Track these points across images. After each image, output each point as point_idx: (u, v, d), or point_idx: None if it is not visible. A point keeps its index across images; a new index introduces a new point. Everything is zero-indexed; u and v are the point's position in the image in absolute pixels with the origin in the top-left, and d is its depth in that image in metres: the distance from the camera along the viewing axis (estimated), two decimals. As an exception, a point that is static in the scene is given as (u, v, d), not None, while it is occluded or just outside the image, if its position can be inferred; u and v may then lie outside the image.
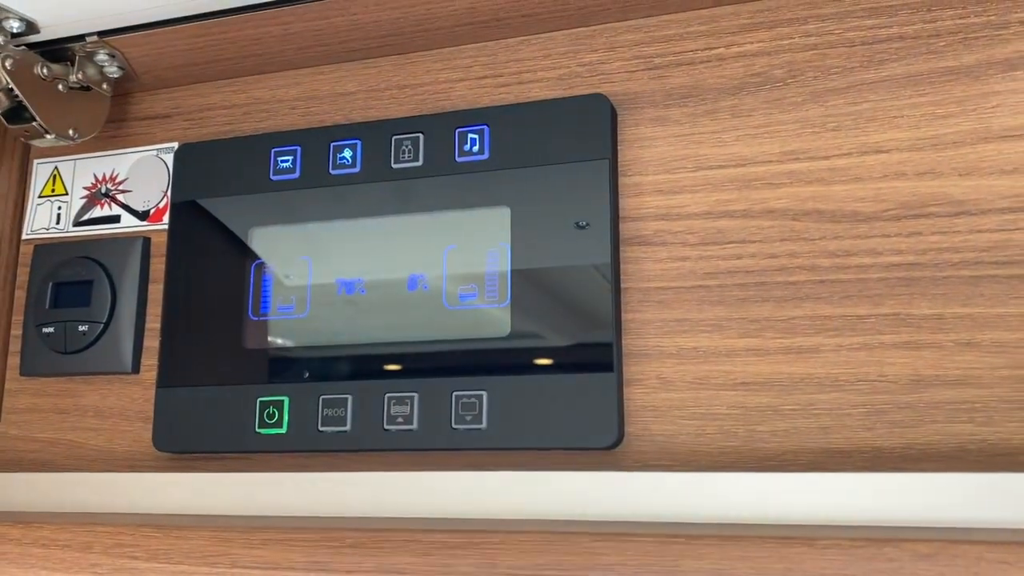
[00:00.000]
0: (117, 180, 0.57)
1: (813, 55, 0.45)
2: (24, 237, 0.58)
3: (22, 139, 0.52)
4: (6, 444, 0.56)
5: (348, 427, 0.47)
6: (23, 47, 0.50)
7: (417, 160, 0.50)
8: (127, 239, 0.55)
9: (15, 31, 0.48)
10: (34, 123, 0.50)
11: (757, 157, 0.45)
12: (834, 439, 0.42)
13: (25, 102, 0.49)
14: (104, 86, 0.55)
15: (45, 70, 0.50)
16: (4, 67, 0.48)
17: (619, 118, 0.48)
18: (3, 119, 0.50)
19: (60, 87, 0.52)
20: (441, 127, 0.49)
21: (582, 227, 0.46)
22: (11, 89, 0.49)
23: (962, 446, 0.40)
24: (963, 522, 0.36)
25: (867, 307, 0.42)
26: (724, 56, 0.47)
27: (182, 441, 0.51)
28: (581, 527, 0.40)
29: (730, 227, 0.45)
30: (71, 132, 0.52)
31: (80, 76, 0.53)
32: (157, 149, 0.57)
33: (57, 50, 0.51)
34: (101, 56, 0.53)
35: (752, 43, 0.46)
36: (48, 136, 0.51)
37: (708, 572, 0.37)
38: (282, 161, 0.52)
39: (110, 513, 0.47)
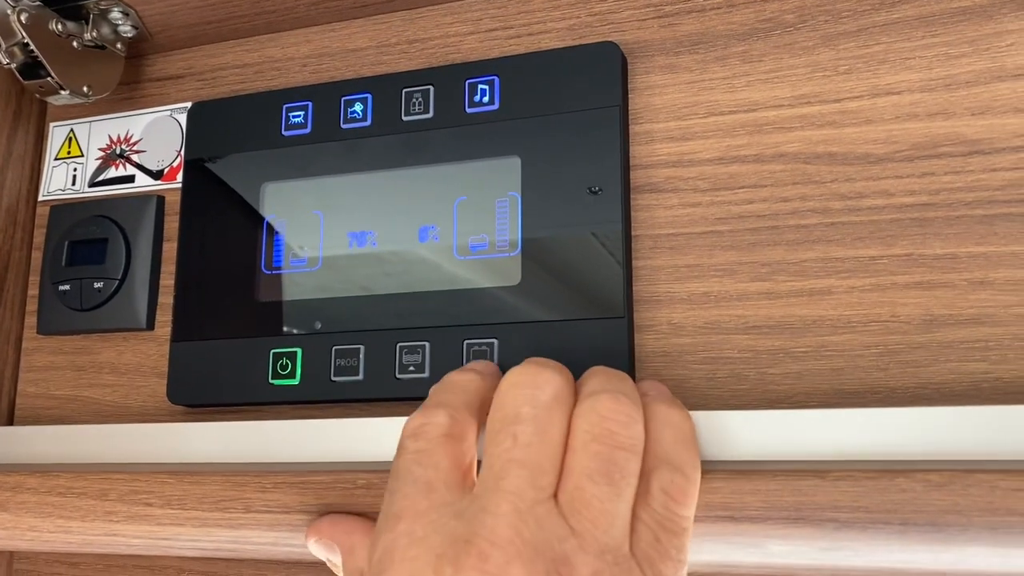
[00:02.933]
0: (131, 141, 0.58)
1: (824, -1, 0.45)
2: (41, 199, 0.59)
3: (37, 95, 0.52)
4: (25, 402, 0.57)
5: (361, 376, 0.48)
6: (38, 3, 0.50)
7: (427, 112, 0.50)
8: (141, 198, 0.56)
9: (30, -14, 0.49)
10: (49, 79, 0.51)
11: (768, 102, 0.45)
12: (847, 380, 0.42)
13: (41, 57, 0.50)
14: (118, 45, 0.55)
15: (60, 26, 0.51)
16: (20, 21, 0.48)
17: (629, 66, 0.48)
18: (19, 75, 0.51)
19: (75, 44, 0.52)
20: (451, 79, 0.50)
21: (592, 175, 0.46)
22: (27, 44, 0.49)
23: (976, 384, 0.40)
24: (977, 455, 0.36)
25: (879, 248, 0.42)
26: (734, 3, 0.47)
27: (196, 394, 0.51)
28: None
29: (741, 172, 0.45)
30: (86, 89, 0.53)
31: (95, 34, 0.53)
32: (171, 109, 0.57)
33: (71, 7, 0.52)
34: (115, 14, 0.53)
35: (763, -11, 0.46)
36: (63, 92, 0.52)
37: (719, 506, 0.37)
38: (294, 116, 0.52)
39: (125, 463, 0.47)
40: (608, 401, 0.34)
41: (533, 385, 0.35)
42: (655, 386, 0.39)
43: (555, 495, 0.32)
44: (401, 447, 0.36)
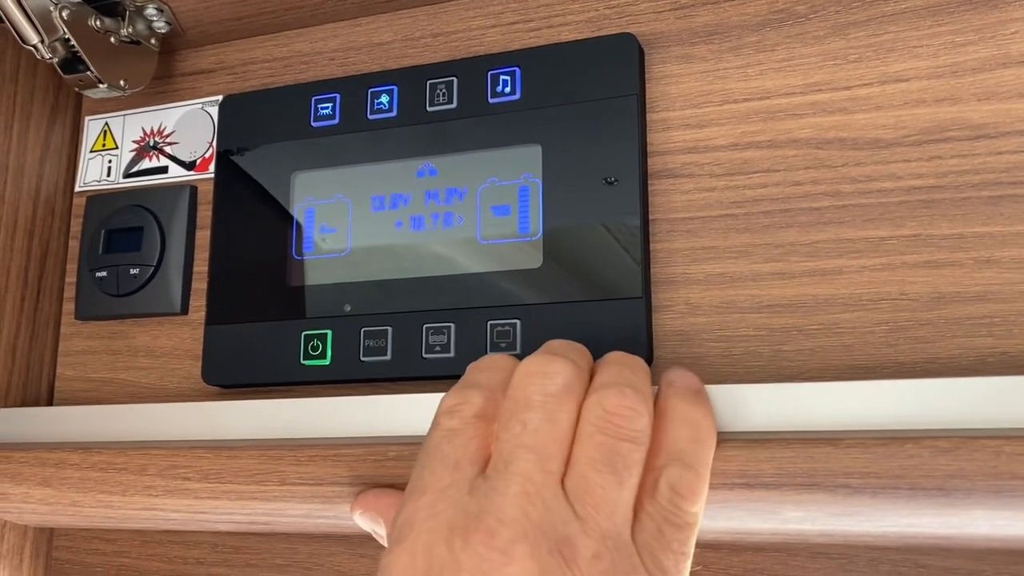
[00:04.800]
0: (164, 133, 0.60)
1: (835, -10, 0.47)
2: (77, 189, 0.61)
3: (76, 88, 0.54)
4: (63, 385, 0.59)
5: (389, 356, 0.50)
6: (79, 0, 0.52)
7: (451, 103, 0.52)
8: (175, 187, 0.58)
9: (71, -17, 0.51)
10: (88, 73, 0.53)
11: (781, 90, 0.47)
12: (857, 356, 0.43)
13: (81, 52, 0.52)
14: (152, 41, 0.57)
15: (98, 22, 0.53)
16: (61, 18, 0.50)
17: (646, 57, 0.49)
18: (59, 69, 0.53)
19: (112, 40, 0.54)
20: (474, 70, 0.51)
21: (610, 162, 0.48)
22: (67, 39, 0.51)
23: (982, 359, 0.42)
24: (982, 423, 0.38)
25: (889, 229, 0.44)
26: (748, -6, 0.48)
27: (230, 374, 0.53)
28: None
29: (755, 157, 0.47)
30: (122, 83, 0.55)
31: (130, 30, 0.55)
32: (202, 102, 0.59)
33: (109, 4, 0.54)
34: (150, 10, 0.55)
35: (775, -19, 0.48)
36: (101, 86, 0.54)
37: (735, 473, 0.38)
38: (322, 108, 0.54)
39: (164, 440, 0.49)
40: (614, 397, 0.35)
41: (544, 374, 0.36)
42: (682, 376, 0.39)
43: (562, 480, 0.34)
44: (435, 423, 0.38)
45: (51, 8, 0.50)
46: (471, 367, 0.40)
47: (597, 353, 0.45)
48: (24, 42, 0.51)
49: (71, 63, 0.53)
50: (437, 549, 0.32)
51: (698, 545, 0.45)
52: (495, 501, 0.32)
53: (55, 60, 0.52)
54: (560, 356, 0.37)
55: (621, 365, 0.38)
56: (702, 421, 0.37)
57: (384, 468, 0.43)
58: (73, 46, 0.52)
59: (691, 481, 0.35)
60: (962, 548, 0.42)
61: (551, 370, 0.36)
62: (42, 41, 0.51)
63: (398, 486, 0.43)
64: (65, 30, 0.51)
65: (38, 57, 0.52)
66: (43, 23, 0.50)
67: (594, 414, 0.35)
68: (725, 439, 0.39)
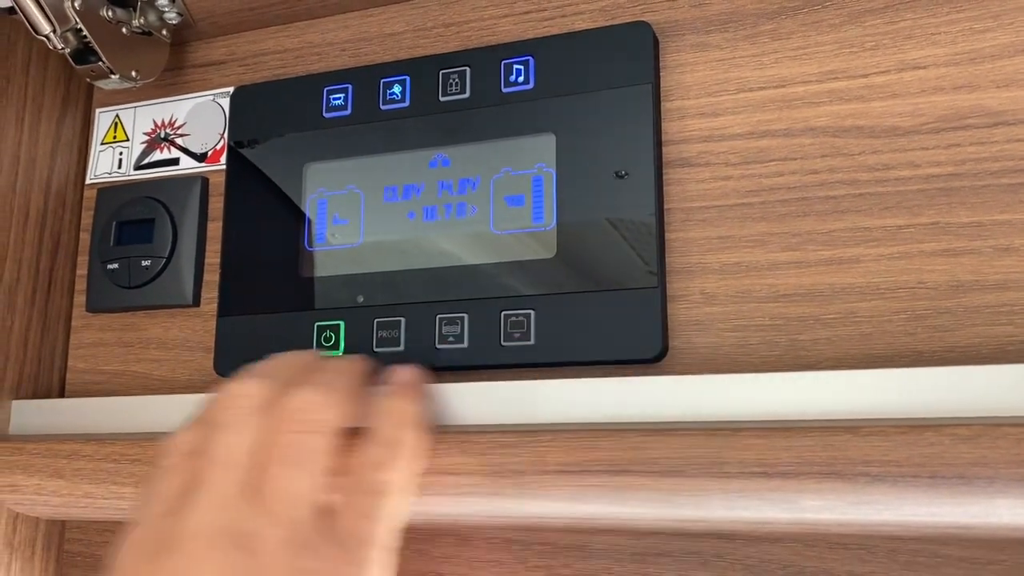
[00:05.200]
0: (175, 125, 0.60)
1: (851, -23, 0.47)
2: (88, 182, 0.61)
3: (88, 79, 0.54)
4: (75, 377, 0.59)
5: (401, 347, 0.49)
6: (90, -10, 0.52)
7: (464, 92, 0.51)
8: (187, 179, 0.58)
9: (83, -27, 0.51)
10: (100, 63, 0.53)
11: (796, 78, 0.47)
12: (876, 345, 0.43)
13: (93, 43, 0.52)
14: (163, 32, 0.57)
15: (110, 13, 0.53)
16: (74, 8, 0.50)
17: (661, 45, 0.49)
18: (71, 60, 0.53)
19: (124, 31, 0.54)
20: (487, 60, 0.51)
21: (625, 151, 0.47)
22: (79, 30, 0.51)
23: (1002, 347, 0.41)
24: (1005, 411, 0.37)
25: (906, 217, 0.43)
26: (763, -18, 0.48)
27: (242, 366, 0.53)
28: (626, 426, 0.41)
29: (771, 146, 0.46)
30: (134, 74, 0.55)
31: (142, 21, 0.55)
32: (213, 94, 0.59)
33: (121, -6, 0.54)
34: (162, 1, 0.55)
35: (791, -32, 0.48)
36: (113, 77, 0.54)
37: (752, 462, 0.38)
38: (334, 99, 0.54)
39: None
40: (295, 397, 0.40)
41: (236, 396, 0.41)
42: (399, 373, 0.45)
43: (260, 484, 0.38)
44: (156, 463, 0.42)
45: (63, -2, 0.50)
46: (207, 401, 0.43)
47: (609, 344, 0.45)
48: (37, 32, 0.51)
49: (83, 54, 0.53)
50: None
51: (714, 535, 0.45)
52: (188, 519, 0.37)
53: (67, 51, 0.52)
54: (256, 377, 0.42)
55: (328, 371, 0.43)
56: (406, 407, 0.43)
57: (399, 458, 0.43)
58: (85, 36, 0.52)
59: (383, 455, 0.40)
60: (981, 538, 0.42)
61: (243, 392, 0.41)
62: (55, 31, 0.51)
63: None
64: (77, 20, 0.51)
65: (50, 47, 0.52)
66: (56, 13, 0.50)
67: (278, 417, 0.40)
68: (741, 428, 0.38)
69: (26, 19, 0.50)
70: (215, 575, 0.36)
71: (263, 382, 0.41)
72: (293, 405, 0.40)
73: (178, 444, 0.41)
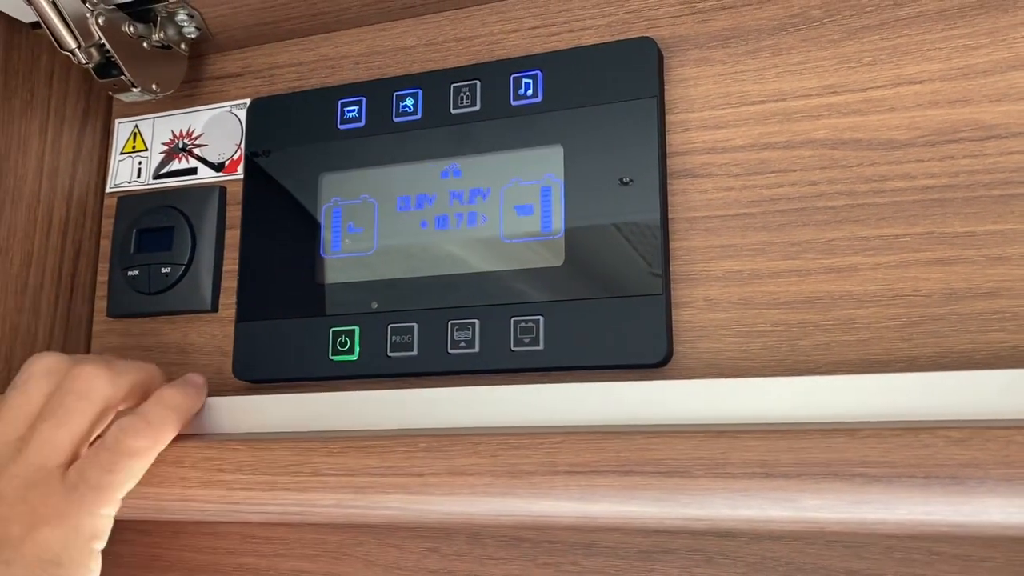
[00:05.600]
0: (193, 135, 0.62)
1: (849, -5, 0.48)
2: (108, 190, 0.63)
3: (110, 92, 0.56)
4: (95, 381, 0.60)
5: (415, 352, 0.51)
6: (113, 7, 0.54)
7: (475, 105, 0.53)
8: (205, 188, 0.59)
9: (106, -9, 0.53)
10: (122, 77, 0.55)
11: (797, 92, 0.48)
12: (873, 350, 0.45)
13: (115, 57, 0.54)
14: (182, 46, 0.59)
15: (132, 28, 0.55)
16: (97, 24, 0.52)
17: (665, 60, 0.51)
18: (94, 73, 0.55)
19: (144, 45, 0.56)
20: (497, 74, 0.53)
21: (630, 162, 0.49)
22: (103, 45, 0.53)
23: (994, 353, 0.43)
24: (995, 414, 0.39)
25: (902, 227, 0.45)
26: (764, -1, 0.50)
27: (260, 370, 0.55)
28: (633, 428, 0.43)
29: (772, 158, 0.48)
30: (154, 87, 0.57)
31: (161, 36, 0.57)
32: (230, 105, 0.61)
33: (142, 11, 0.56)
34: (181, 16, 0.57)
35: (791, -14, 0.49)
36: (134, 90, 0.56)
37: (754, 463, 0.40)
38: (348, 111, 0.56)
39: (197, 433, 0.51)
40: (76, 369, 0.45)
41: (30, 364, 0.47)
42: (192, 376, 0.50)
43: (25, 436, 0.44)
44: None
45: (88, 15, 0.52)
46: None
47: (615, 349, 0.47)
48: (62, 47, 0.52)
49: (105, 68, 0.55)
50: None
51: (716, 533, 0.46)
52: None
53: (91, 65, 0.54)
54: (50, 355, 0.47)
55: (124, 360, 0.48)
56: (175, 395, 0.47)
57: (414, 459, 0.44)
58: (108, 51, 0.53)
59: (136, 423, 0.45)
60: (974, 536, 0.43)
61: (40, 360, 0.46)
62: (79, 46, 0.52)
63: (428, 476, 0.45)
64: (100, 36, 0.52)
65: (75, 62, 0.54)
66: (80, 29, 0.52)
67: (58, 386, 0.45)
68: (744, 430, 0.40)
69: (51, 35, 0.52)
70: None
71: (52, 357, 0.47)
72: (73, 373, 0.45)
73: None
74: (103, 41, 0.53)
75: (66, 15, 0.51)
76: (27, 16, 0.56)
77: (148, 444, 0.46)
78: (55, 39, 0.52)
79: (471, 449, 0.44)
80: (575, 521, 0.46)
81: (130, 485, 0.45)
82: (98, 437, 0.46)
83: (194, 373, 0.51)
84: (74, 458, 0.44)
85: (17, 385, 0.46)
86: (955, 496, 0.38)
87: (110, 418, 0.47)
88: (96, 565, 0.44)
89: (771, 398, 0.42)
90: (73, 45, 0.52)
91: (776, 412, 0.42)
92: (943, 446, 0.37)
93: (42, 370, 0.46)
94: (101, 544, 0.44)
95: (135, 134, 0.63)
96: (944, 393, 0.40)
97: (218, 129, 0.61)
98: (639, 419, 0.45)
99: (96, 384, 0.46)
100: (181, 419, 0.48)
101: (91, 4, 0.52)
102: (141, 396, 0.48)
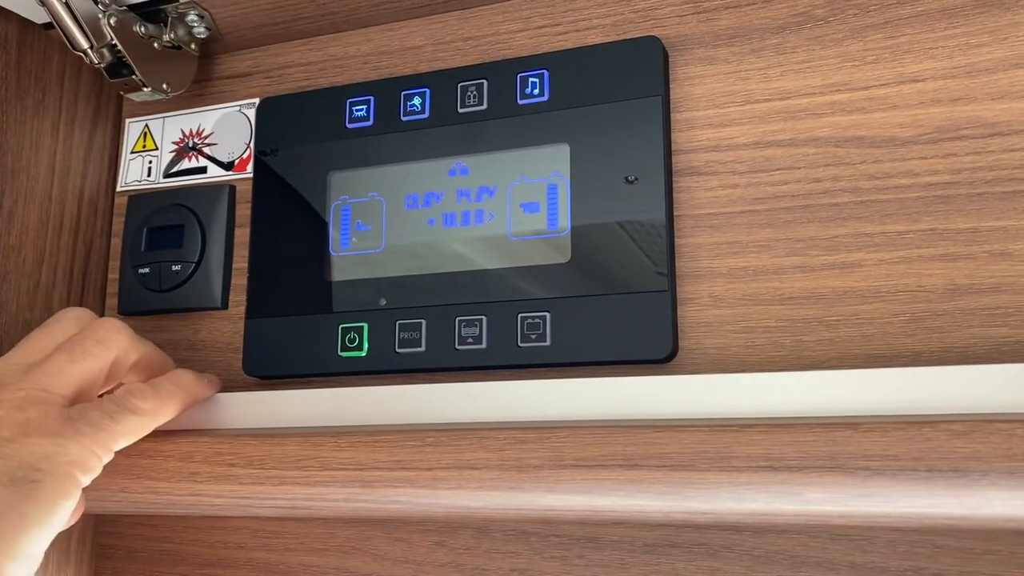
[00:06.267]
0: (203, 135, 0.62)
1: (853, -6, 0.49)
2: (119, 189, 0.64)
3: (121, 92, 0.57)
4: (106, 377, 0.61)
5: (423, 348, 0.52)
6: (124, 7, 0.55)
7: (482, 104, 0.54)
8: (215, 187, 0.60)
9: (118, -9, 0.53)
10: (133, 77, 0.55)
11: (801, 90, 0.49)
12: (876, 345, 0.45)
13: (126, 57, 0.54)
14: (192, 46, 0.60)
15: (143, 29, 0.55)
16: (109, 24, 0.53)
17: (670, 59, 0.51)
18: (106, 73, 0.55)
19: (155, 45, 0.57)
20: (504, 73, 0.54)
21: (636, 160, 0.50)
22: (114, 45, 0.54)
23: (997, 348, 0.43)
24: (997, 408, 0.39)
25: (905, 224, 0.46)
26: (769, -2, 0.50)
27: (270, 366, 0.55)
28: (639, 423, 0.43)
29: (777, 155, 0.48)
30: (165, 87, 0.57)
31: (172, 36, 0.58)
32: (240, 105, 0.62)
33: (153, 11, 0.56)
34: (191, 16, 0.58)
35: (795, -15, 0.50)
36: (145, 89, 0.56)
37: (759, 457, 0.40)
38: (357, 110, 0.57)
39: (208, 429, 0.52)
40: (105, 321, 0.48)
41: (67, 311, 0.50)
42: (205, 373, 0.53)
43: (38, 362, 0.46)
44: None
45: (100, 15, 0.53)
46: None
47: (621, 345, 0.47)
48: (74, 48, 0.53)
49: (117, 68, 0.56)
50: None
51: (721, 527, 0.47)
52: None
53: (102, 65, 0.55)
54: (80, 308, 0.50)
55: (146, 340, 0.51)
56: (189, 380, 0.50)
57: (422, 453, 0.45)
58: (119, 51, 0.54)
59: (144, 389, 0.48)
60: (976, 529, 0.44)
61: (65, 311, 0.50)
62: (91, 47, 0.53)
63: (436, 470, 0.45)
64: (112, 36, 0.53)
65: (87, 62, 0.54)
66: (92, 30, 0.53)
67: (83, 327, 0.48)
68: (749, 424, 0.40)
69: (64, 36, 0.53)
70: None
71: (90, 311, 0.50)
72: (97, 323, 0.48)
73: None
74: (115, 41, 0.53)
75: (78, 16, 0.52)
76: (40, 17, 0.57)
77: (151, 408, 0.47)
78: (68, 39, 0.53)
79: (478, 444, 0.45)
80: (581, 515, 0.46)
81: (126, 440, 0.47)
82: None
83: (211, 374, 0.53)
84: (77, 398, 0.46)
85: (44, 326, 0.49)
86: (958, 489, 0.38)
87: (119, 379, 0.49)
88: (75, 492, 0.44)
89: (775, 393, 0.43)
90: (85, 45, 0.53)
91: (780, 406, 0.43)
92: (946, 439, 0.38)
93: (71, 317, 0.49)
94: (85, 477, 0.45)
95: (145, 133, 0.64)
96: (947, 387, 0.40)
97: (228, 128, 0.62)
98: (644, 414, 0.45)
99: (117, 336, 0.48)
100: (187, 400, 0.50)
101: (103, 5, 0.53)
102: (150, 373, 0.50)
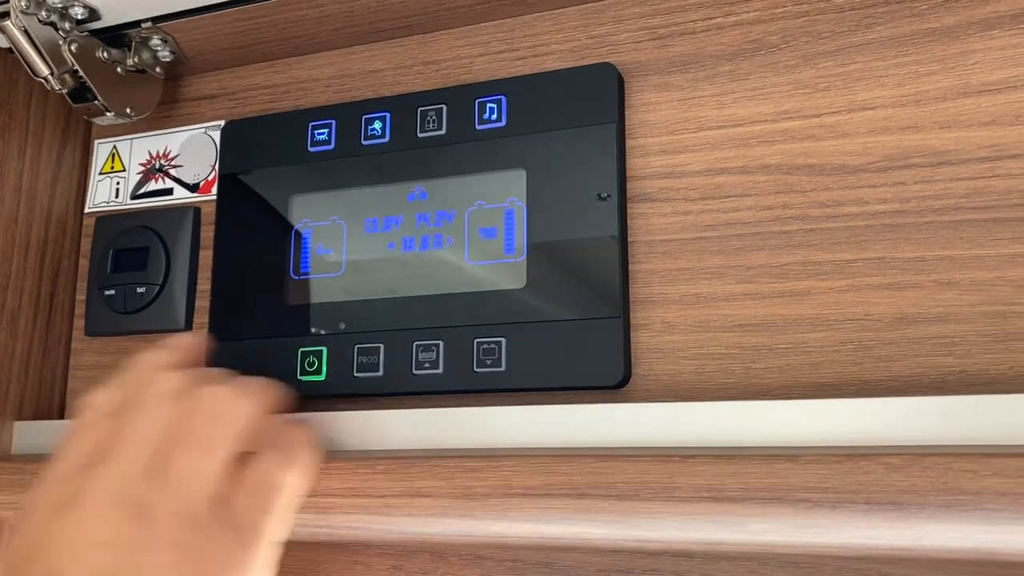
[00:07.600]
0: (169, 156, 0.63)
1: (805, 21, 0.49)
2: (87, 210, 0.64)
3: (85, 116, 0.57)
4: (74, 399, 0.62)
5: (380, 372, 0.52)
6: (86, 32, 0.55)
7: (441, 129, 0.54)
8: (180, 209, 0.60)
9: (79, 17, 0.54)
10: (96, 102, 0.56)
11: (753, 117, 0.49)
12: (824, 374, 0.45)
13: (89, 83, 0.55)
14: (157, 69, 0.60)
15: (106, 54, 0.56)
16: (70, 51, 0.53)
17: (626, 85, 0.52)
18: (69, 99, 0.56)
19: (119, 70, 0.57)
20: (462, 98, 0.54)
21: (592, 187, 0.50)
22: (76, 71, 0.54)
23: (943, 377, 0.43)
24: (937, 440, 0.40)
25: (854, 252, 0.46)
26: (723, 25, 0.50)
27: (231, 389, 0.55)
28: (586, 452, 0.44)
29: (728, 183, 0.49)
30: (128, 111, 0.58)
31: (136, 60, 0.58)
32: (205, 127, 0.62)
33: (116, 36, 0.57)
34: (155, 41, 0.58)
35: (748, 12, 0.50)
36: (108, 114, 0.57)
37: (702, 487, 0.40)
38: (319, 134, 0.57)
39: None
40: (210, 392, 0.43)
41: (158, 380, 0.44)
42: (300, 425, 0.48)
43: (161, 463, 0.41)
44: (77, 417, 0.45)
45: (60, 42, 0.53)
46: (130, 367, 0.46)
47: (575, 370, 0.48)
48: (35, 74, 0.53)
49: (80, 93, 0.56)
50: (43, 525, 0.39)
51: (672, 554, 0.47)
52: (92, 483, 0.40)
53: (65, 91, 0.55)
54: (171, 374, 0.45)
55: (242, 379, 0.46)
56: (304, 430, 0.46)
57: (373, 481, 0.45)
58: (82, 77, 0.54)
59: (282, 459, 0.44)
60: (923, 558, 0.44)
61: (163, 377, 0.44)
62: (52, 73, 0.53)
63: (389, 497, 0.45)
64: (74, 62, 0.53)
65: (48, 88, 0.55)
66: (52, 56, 0.53)
67: (191, 404, 0.43)
68: (692, 454, 0.41)
69: (24, 62, 0.53)
70: (106, 536, 0.38)
71: (182, 374, 0.44)
72: (206, 394, 0.43)
73: (98, 404, 0.44)
74: (76, 67, 0.54)
75: (38, 42, 0.52)
76: (3, 41, 0.57)
77: (296, 480, 0.44)
78: (28, 66, 0.53)
79: (428, 471, 0.45)
80: (532, 541, 0.47)
81: (288, 522, 0.44)
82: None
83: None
84: (220, 491, 0.41)
85: (139, 405, 0.43)
86: (896, 521, 0.38)
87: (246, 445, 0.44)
88: None
89: (721, 422, 0.43)
90: (46, 72, 0.53)
91: (726, 436, 0.43)
92: (883, 472, 0.38)
93: (168, 389, 0.43)
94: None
95: (113, 155, 0.64)
96: (888, 418, 0.41)
97: (194, 150, 0.62)
98: (595, 442, 0.45)
99: (233, 408, 0.43)
100: (314, 452, 0.46)
101: (63, 31, 0.53)
102: (265, 416, 0.45)
